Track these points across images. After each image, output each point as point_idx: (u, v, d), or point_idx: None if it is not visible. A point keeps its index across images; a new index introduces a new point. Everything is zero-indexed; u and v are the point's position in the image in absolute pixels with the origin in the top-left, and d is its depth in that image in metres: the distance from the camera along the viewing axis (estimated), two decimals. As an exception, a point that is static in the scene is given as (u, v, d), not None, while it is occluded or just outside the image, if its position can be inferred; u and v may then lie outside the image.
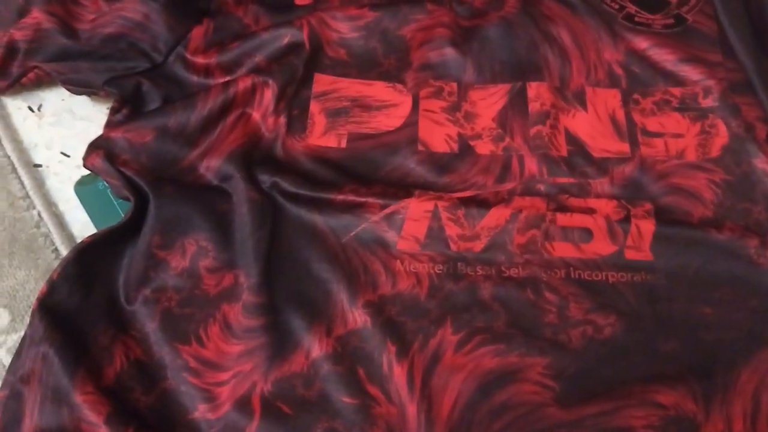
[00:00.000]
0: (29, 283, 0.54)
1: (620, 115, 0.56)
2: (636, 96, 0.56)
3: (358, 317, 0.48)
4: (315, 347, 0.47)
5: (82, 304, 0.49)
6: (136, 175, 0.53)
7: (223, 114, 0.56)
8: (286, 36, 0.58)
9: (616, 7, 0.60)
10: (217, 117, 0.55)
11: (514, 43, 0.58)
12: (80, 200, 0.57)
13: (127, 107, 0.57)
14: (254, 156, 0.55)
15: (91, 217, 0.56)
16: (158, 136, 0.54)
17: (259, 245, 0.50)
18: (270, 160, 0.54)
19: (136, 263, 0.51)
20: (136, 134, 0.54)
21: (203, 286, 0.50)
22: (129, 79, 0.57)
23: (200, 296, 0.50)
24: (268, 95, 0.56)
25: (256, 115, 0.56)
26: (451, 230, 0.51)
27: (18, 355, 0.48)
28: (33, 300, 0.52)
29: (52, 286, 0.49)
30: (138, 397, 0.47)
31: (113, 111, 0.57)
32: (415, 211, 0.51)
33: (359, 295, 0.49)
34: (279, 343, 0.48)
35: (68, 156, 0.60)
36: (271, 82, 0.56)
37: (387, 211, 0.51)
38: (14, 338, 0.52)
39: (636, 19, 0.59)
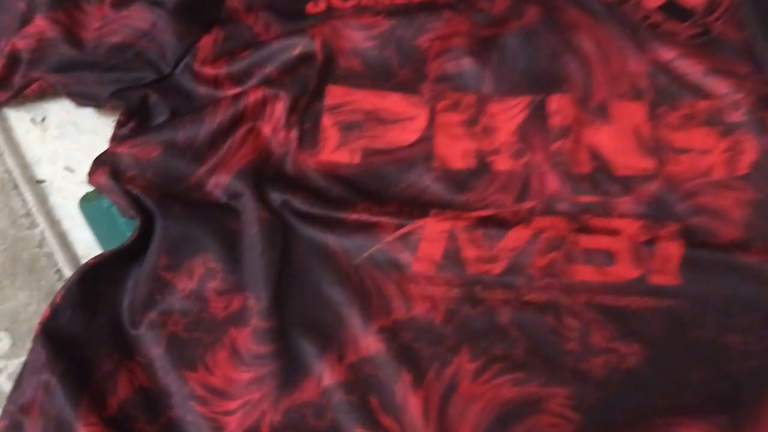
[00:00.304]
0: (31, 305, 0.53)
1: (646, 129, 0.53)
2: (662, 110, 0.54)
3: (371, 343, 0.46)
4: (326, 374, 0.46)
5: (85, 329, 0.48)
6: (142, 192, 0.51)
7: (232, 128, 0.54)
8: (298, 46, 0.56)
9: (641, 16, 0.57)
10: (226, 131, 0.54)
11: (534, 53, 0.56)
12: (85, 217, 0.56)
13: (134, 120, 0.56)
14: (264, 172, 0.53)
15: (96, 236, 0.55)
16: (165, 152, 0.53)
17: (270, 267, 0.49)
18: (280, 176, 0.53)
19: (141, 285, 0.50)
20: (142, 149, 0.53)
21: (211, 309, 0.49)
22: (136, 91, 0.56)
23: (208, 320, 0.48)
24: (279, 108, 0.54)
25: (266, 129, 0.54)
26: (469, 252, 0.48)
27: (19, 383, 0.47)
28: (35, 323, 0.51)
29: (56, 310, 0.48)
30: (142, 427, 0.45)
31: (119, 124, 0.56)
32: (432, 232, 0.49)
33: (372, 319, 0.47)
34: (289, 370, 0.46)
35: (72, 171, 0.58)
36: (282, 94, 0.54)
37: (402, 231, 0.49)
38: (15, 363, 0.51)
39: (661, 28, 0.57)
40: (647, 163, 0.52)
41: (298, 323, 0.48)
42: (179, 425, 0.46)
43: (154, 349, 0.48)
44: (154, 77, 0.57)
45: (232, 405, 0.46)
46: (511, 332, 0.47)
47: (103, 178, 0.52)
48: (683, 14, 0.57)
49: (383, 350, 0.46)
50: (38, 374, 0.46)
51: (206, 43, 0.58)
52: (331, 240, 0.50)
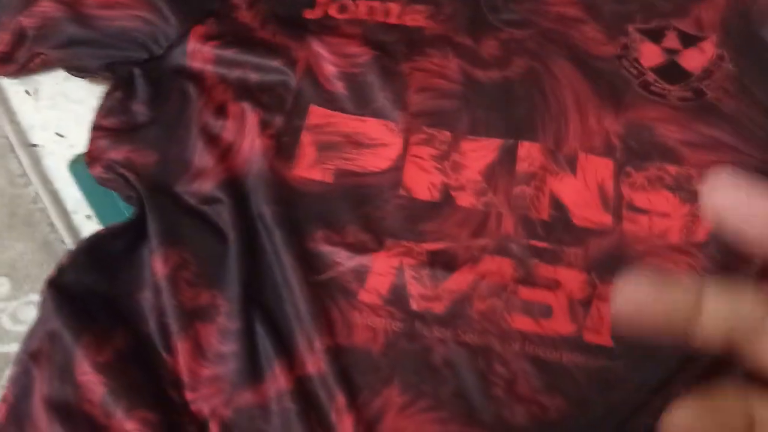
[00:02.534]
0: (27, 254, 0.58)
1: (609, 185, 0.52)
2: (628, 169, 0.53)
3: (315, 362, 0.50)
4: (276, 382, 0.49)
5: (86, 291, 0.51)
6: (137, 179, 0.54)
7: (216, 143, 0.56)
8: (279, 73, 0.57)
9: (635, 72, 0.55)
10: (211, 147, 0.55)
11: (513, 101, 0.55)
12: (74, 178, 0.59)
13: (120, 91, 0.58)
14: (244, 184, 0.55)
15: (83, 194, 0.59)
16: (159, 162, 0.56)
17: (240, 273, 0.51)
18: (259, 187, 0.54)
19: (135, 264, 0.53)
20: (139, 155, 0.56)
21: (180, 297, 0.52)
22: (123, 66, 0.58)
23: (176, 307, 0.51)
24: (255, 122, 0.55)
25: (246, 144, 0.56)
26: (414, 289, 0.51)
27: (30, 333, 0.51)
28: (31, 270, 0.57)
29: (61, 270, 0.51)
30: (136, 374, 0.49)
31: (107, 94, 0.58)
32: (381, 266, 0.51)
33: (318, 339, 0.50)
34: (245, 372, 0.50)
35: (63, 137, 0.62)
36: (258, 110, 0.55)
37: (353, 263, 0.51)
38: (14, 305, 0.57)
39: (652, 88, 0.54)
40: (605, 218, 0.52)
41: (259, 329, 0.51)
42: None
43: (142, 328, 0.51)
44: (145, 57, 0.58)
45: (190, 396, 0.50)
46: (442, 371, 0.49)
47: (102, 171, 0.55)
48: (678, 76, 0.55)
49: (324, 371, 0.49)
50: (45, 324, 0.50)
51: (199, 30, 0.58)
52: (291, 259, 0.52)
